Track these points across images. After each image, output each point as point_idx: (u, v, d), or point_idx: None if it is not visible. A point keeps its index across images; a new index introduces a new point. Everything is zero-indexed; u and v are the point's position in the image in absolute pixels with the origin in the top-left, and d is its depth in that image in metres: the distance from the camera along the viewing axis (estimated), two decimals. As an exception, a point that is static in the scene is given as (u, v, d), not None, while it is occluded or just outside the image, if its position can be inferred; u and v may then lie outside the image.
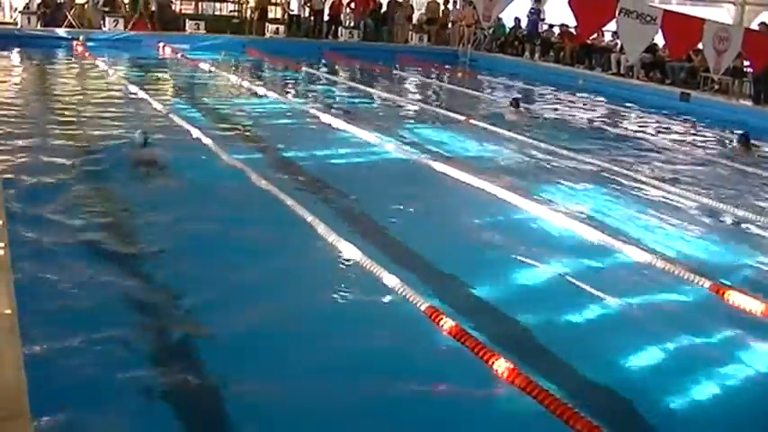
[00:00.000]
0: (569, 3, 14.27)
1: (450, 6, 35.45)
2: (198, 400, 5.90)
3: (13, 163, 11.25)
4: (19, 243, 7.71)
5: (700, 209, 11.89)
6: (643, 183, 13.03)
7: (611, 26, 17.00)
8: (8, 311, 5.46)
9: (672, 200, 12.20)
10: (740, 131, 17.99)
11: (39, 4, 28.25)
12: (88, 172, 11.14)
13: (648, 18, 13.97)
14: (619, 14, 14.03)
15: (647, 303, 8.15)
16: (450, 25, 35.17)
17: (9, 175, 10.28)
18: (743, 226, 11.28)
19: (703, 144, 18.08)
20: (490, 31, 32.69)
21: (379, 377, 6.17)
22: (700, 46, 18.58)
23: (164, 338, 6.69)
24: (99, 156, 12.04)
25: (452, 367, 6.37)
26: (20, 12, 27.78)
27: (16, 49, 24.70)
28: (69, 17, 28.37)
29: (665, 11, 14.42)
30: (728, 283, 8.48)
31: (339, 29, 33.48)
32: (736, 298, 7.98)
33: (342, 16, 33.48)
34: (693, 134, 19.46)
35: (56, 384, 5.62)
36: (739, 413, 6.36)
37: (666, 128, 19.95)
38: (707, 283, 8.33)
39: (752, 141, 17.44)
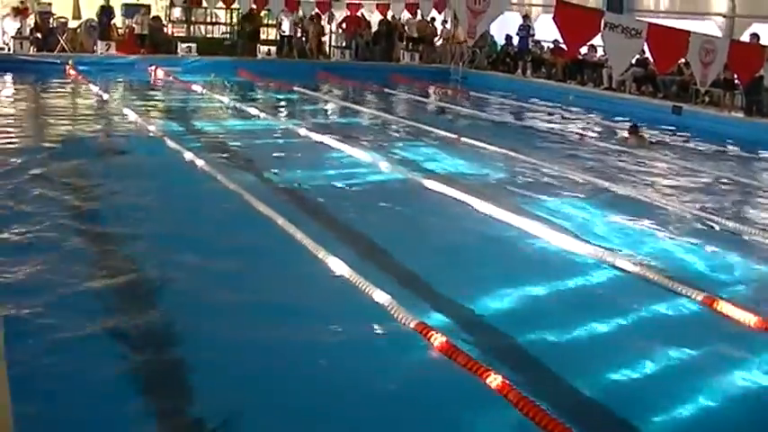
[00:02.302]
0: (554, 19, 14.26)
1: (437, 24, 35.50)
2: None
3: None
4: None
5: (691, 220, 11.90)
6: (633, 196, 13.04)
7: (600, 41, 17.00)
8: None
9: (663, 212, 12.21)
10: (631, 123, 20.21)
11: (31, 29, 28.31)
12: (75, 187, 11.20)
13: (633, 32, 13.93)
14: (603, 29, 14.00)
15: (639, 316, 8.14)
16: (440, 43, 35.28)
17: None
18: (736, 237, 11.26)
19: (694, 156, 18.11)
20: (485, 49, 32.83)
21: (369, 393, 6.17)
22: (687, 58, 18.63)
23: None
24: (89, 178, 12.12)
25: (443, 383, 6.37)
26: (12, 37, 27.80)
27: (9, 74, 24.74)
28: (62, 42, 28.46)
29: (650, 24, 14.37)
30: (721, 295, 8.49)
31: (332, 49, 33.77)
32: (728, 309, 7.98)
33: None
34: (685, 146, 19.49)
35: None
36: (733, 426, 6.35)
37: (657, 141, 19.97)
38: (700, 296, 8.32)
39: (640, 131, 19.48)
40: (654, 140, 19.57)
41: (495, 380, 5.99)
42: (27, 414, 5.15)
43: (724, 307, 8.03)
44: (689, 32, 14.85)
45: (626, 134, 19.53)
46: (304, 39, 33.33)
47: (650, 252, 10.13)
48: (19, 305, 7.23)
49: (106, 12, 29.72)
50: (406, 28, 35.10)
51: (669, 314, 8.22)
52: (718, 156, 18.68)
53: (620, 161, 16.56)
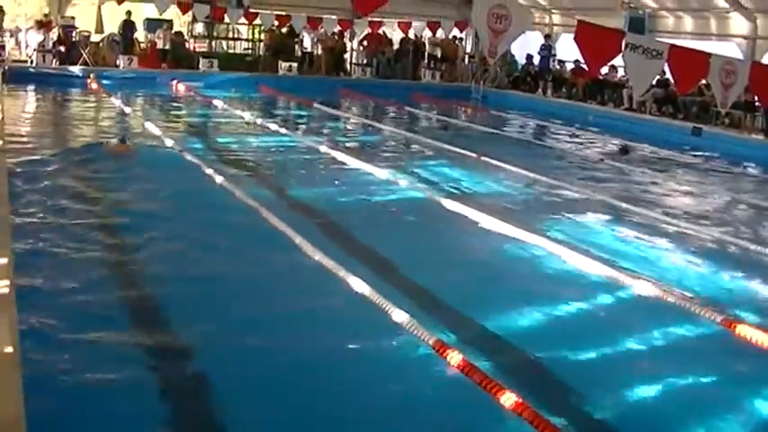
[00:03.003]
0: (575, 39, 14.26)
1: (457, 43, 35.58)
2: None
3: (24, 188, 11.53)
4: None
5: (710, 242, 11.86)
6: (653, 217, 13.00)
7: (621, 61, 17.01)
8: (10, 350, 5.46)
9: (682, 234, 12.16)
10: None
11: (54, 43, 28.51)
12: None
13: (654, 53, 13.91)
14: (625, 49, 13.99)
15: (657, 338, 8.12)
16: (466, 61, 35.34)
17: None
18: (754, 259, 11.20)
19: (713, 178, 18.09)
20: (504, 68, 32.88)
21: (387, 412, 6.17)
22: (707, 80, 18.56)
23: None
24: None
25: (459, 401, 6.36)
26: (35, 50, 28.02)
27: (32, 86, 24.92)
28: (84, 55, 28.66)
29: (672, 45, 14.34)
30: (740, 317, 8.46)
31: (353, 66, 33.96)
32: (747, 332, 7.94)
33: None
34: (704, 168, 19.44)
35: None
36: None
37: (677, 162, 19.94)
38: (718, 318, 8.28)
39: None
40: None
41: (510, 398, 5.97)
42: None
43: (743, 329, 7.99)
44: (710, 54, 14.83)
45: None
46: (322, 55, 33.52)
47: (669, 273, 10.10)
48: (31, 298, 7.42)
49: (129, 26, 29.98)
50: (427, 46, 35.17)
51: (687, 336, 8.20)
52: (737, 178, 18.64)
53: (639, 182, 16.53)
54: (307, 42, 33.07)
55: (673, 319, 8.45)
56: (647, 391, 6.90)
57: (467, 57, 35.50)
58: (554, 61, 32.87)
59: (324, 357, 6.99)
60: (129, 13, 29.97)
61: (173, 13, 30.92)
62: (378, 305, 7.86)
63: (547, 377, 7.07)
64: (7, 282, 6.76)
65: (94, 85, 25.47)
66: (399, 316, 7.53)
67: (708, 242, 11.89)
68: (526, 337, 7.89)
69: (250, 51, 34.00)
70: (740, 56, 25.37)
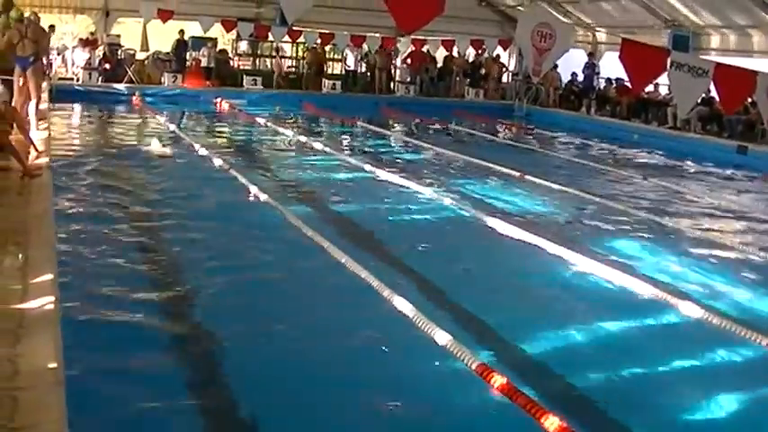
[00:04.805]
0: (620, 57, 14.19)
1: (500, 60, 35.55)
2: None
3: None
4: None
5: (756, 263, 11.72)
6: (699, 238, 12.88)
7: (664, 79, 16.92)
8: (54, 365, 5.49)
9: (728, 254, 12.04)
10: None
11: (100, 60, 28.82)
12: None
13: (700, 71, 13.81)
14: (670, 68, 13.89)
15: (703, 360, 8.04)
16: (509, 79, 35.31)
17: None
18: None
19: (760, 197, 17.91)
20: (556, 87, 32.84)
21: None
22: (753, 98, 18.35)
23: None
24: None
25: (503, 425, 6.31)
26: (81, 67, 28.33)
27: (77, 104, 25.18)
28: (129, 73, 28.92)
29: (717, 64, 14.23)
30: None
31: (396, 84, 33.96)
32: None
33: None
34: (750, 187, 19.27)
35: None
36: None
37: (723, 181, 19.78)
38: (765, 340, 8.18)
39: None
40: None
41: (554, 423, 5.91)
42: None
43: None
44: (756, 72, 14.67)
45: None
46: (369, 74, 33.53)
47: (714, 294, 10.02)
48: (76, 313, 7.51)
49: (182, 45, 30.34)
50: (471, 64, 35.13)
51: (733, 358, 8.12)
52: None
53: (685, 201, 16.41)
54: (350, 61, 33.13)
55: (719, 342, 8.36)
56: (691, 414, 6.86)
57: (510, 75, 35.47)
58: (598, 79, 32.73)
59: (364, 376, 7.00)
60: (182, 32, 30.41)
61: (217, 31, 31.14)
62: (420, 325, 7.83)
63: (591, 400, 7.02)
64: (52, 298, 6.80)
65: (139, 103, 25.69)
66: (442, 337, 7.49)
67: (754, 262, 11.76)
68: (570, 359, 7.86)
69: (294, 69, 34.09)
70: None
